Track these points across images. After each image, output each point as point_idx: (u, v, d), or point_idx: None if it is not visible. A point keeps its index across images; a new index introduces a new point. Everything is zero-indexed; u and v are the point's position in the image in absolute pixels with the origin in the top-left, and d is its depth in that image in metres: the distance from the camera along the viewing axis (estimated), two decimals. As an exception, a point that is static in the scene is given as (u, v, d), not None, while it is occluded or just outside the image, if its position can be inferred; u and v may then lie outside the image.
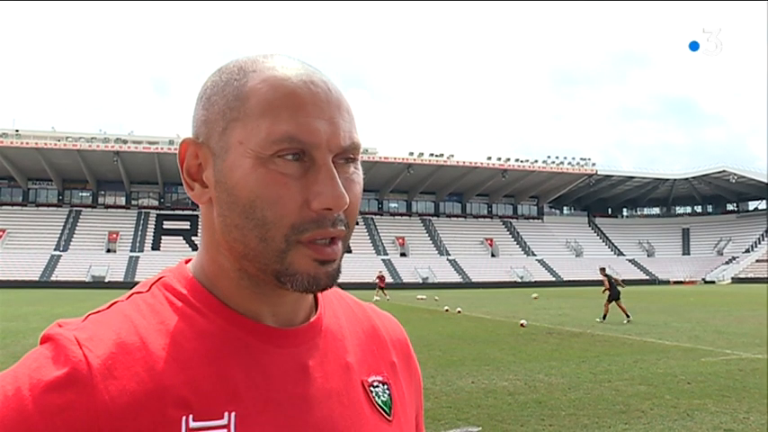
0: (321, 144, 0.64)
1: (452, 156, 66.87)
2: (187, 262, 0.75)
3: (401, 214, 72.37)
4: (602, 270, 19.75)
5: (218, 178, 0.66)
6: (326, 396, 0.69)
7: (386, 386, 0.76)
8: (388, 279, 42.72)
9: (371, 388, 0.74)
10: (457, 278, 60.92)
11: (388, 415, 0.74)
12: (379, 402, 0.74)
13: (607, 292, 18.35)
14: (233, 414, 0.63)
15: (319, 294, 0.76)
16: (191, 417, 0.62)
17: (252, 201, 0.64)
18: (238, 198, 0.65)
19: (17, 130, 63.88)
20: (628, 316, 17.29)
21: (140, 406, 0.60)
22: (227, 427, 0.62)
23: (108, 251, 59.52)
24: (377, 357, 0.78)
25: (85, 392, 0.59)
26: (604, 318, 17.39)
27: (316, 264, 0.65)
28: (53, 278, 52.40)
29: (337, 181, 0.65)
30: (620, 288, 18.20)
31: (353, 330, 0.78)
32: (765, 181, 67.41)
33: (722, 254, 71.96)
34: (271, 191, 0.64)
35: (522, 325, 15.79)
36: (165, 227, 63.75)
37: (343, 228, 0.67)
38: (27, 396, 0.59)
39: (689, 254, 75.19)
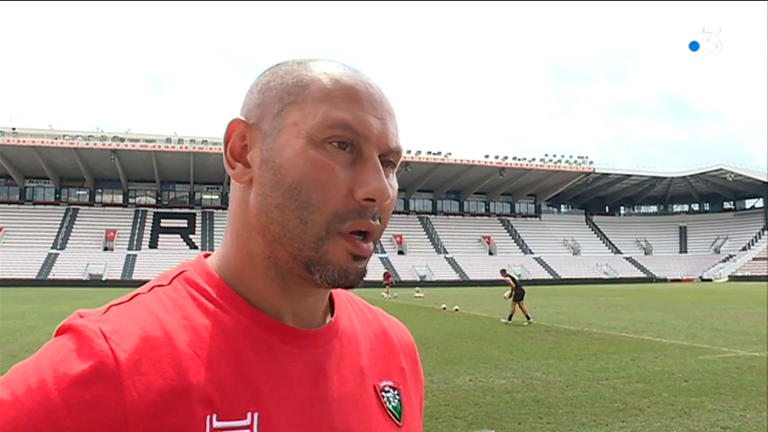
0: (372, 138, 0.66)
1: (450, 154, 66.85)
2: (206, 257, 0.74)
3: (398, 212, 72.20)
4: (504, 272, 18.34)
5: (265, 157, 0.67)
6: (342, 399, 0.69)
7: (396, 391, 0.76)
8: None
9: (383, 393, 0.75)
10: (454, 276, 60.95)
11: (399, 420, 0.74)
12: (390, 408, 0.74)
13: (513, 294, 17.25)
14: (256, 415, 0.63)
15: (335, 296, 0.78)
16: (215, 416, 0.61)
17: (299, 181, 0.65)
18: (285, 177, 0.65)
19: (14, 129, 63.69)
20: (528, 318, 16.43)
21: (167, 403, 0.59)
22: (249, 427, 0.62)
23: (105, 249, 59.41)
24: (388, 362, 0.79)
25: (113, 388, 0.58)
26: (510, 318, 16.71)
27: (350, 257, 0.66)
28: (50, 276, 52.25)
29: (382, 175, 0.66)
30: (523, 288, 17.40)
31: (366, 334, 0.79)
32: (762, 179, 67.49)
33: (719, 252, 72.06)
34: (319, 174, 0.64)
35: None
36: (162, 225, 63.64)
37: (379, 224, 0.68)
38: (53, 389, 0.57)
39: (686, 252, 75.30)
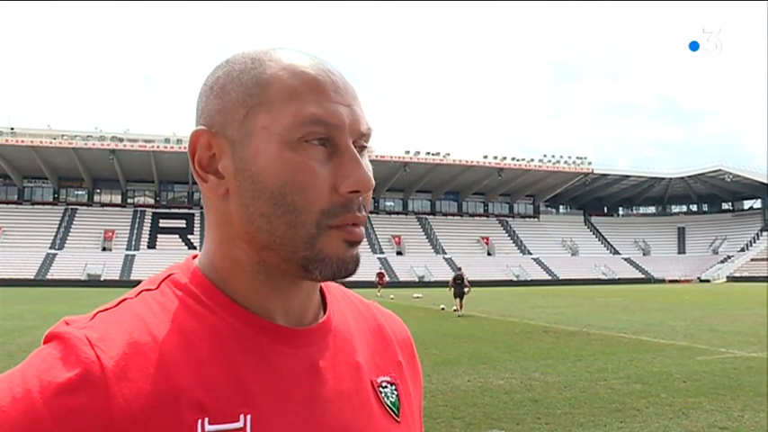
0: (344, 128, 0.65)
1: (448, 154, 66.93)
2: (194, 258, 0.73)
3: (397, 213, 72.33)
4: (459, 269, 20.99)
5: (239, 166, 0.65)
6: (338, 397, 0.68)
7: (394, 386, 0.76)
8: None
9: (380, 388, 0.74)
10: (453, 277, 60.87)
11: (397, 416, 0.74)
12: (388, 403, 0.73)
13: (461, 289, 19.92)
14: (248, 416, 0.62)
15: (327, 293, 0.76)
16: (206, 420, 0.60)
17: (280, 187, 0.63)
18: (265, 185, 0.64)
19: (12, 128, 63.67)
20: (457, 311, 19.43)
21: (155, 409, 0.59)
22: (242, 429, 0.61)
23: (104, 249, 59.37)
24: (384, 357, 0.78)
25: (99, 395, 0.57)
26: (454, 310, 19.61)
27: (345, 245, 0.66)
28: (49, 276, 52.21)
29: (361, 164, 0.65)
30: (466, 289, 19.92)
31: (360, 329, 0.77)
32: (760, 180, 67.58)
33: (717, 253, 72.14)
34: (300, 176, 0.63)
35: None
36: (160, 225, 63.61)
37: (365, 213, 0.67)
38: (38, 398, 0.56)
39: (684, 252, 75.38)
